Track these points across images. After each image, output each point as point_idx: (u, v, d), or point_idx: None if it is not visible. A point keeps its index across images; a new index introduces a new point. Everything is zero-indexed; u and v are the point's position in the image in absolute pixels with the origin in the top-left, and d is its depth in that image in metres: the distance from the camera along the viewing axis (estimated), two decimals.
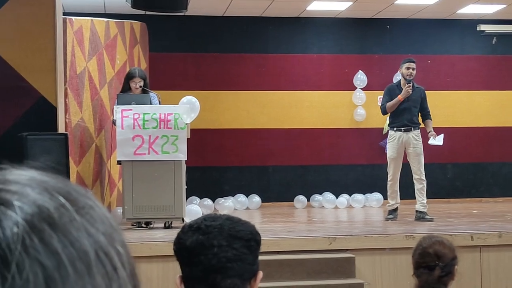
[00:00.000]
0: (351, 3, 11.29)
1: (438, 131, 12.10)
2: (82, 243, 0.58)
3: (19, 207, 0.57)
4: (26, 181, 0.60)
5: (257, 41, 12.26)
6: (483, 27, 12.60)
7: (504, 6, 11.67)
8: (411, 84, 8.88)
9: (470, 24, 12.60)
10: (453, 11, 12.05)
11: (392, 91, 9.02)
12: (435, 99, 12.40)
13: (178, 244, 2.16)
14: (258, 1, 11.13)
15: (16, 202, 0.58)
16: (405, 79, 8.97)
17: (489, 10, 11.99)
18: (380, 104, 9.19)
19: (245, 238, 2.14)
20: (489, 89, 12.71)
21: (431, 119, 9.20)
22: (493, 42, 12.74)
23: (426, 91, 12.17)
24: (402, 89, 8.93)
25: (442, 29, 12.61)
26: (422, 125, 9.19)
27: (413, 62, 9.02)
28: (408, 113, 8.92)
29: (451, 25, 12.60)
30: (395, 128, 8.96)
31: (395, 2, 11.30)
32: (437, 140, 9.07)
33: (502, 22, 12.62)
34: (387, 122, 12.07)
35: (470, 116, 12.64)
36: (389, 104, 8.90)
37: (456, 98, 12.64)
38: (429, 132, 9.08)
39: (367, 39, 12.49)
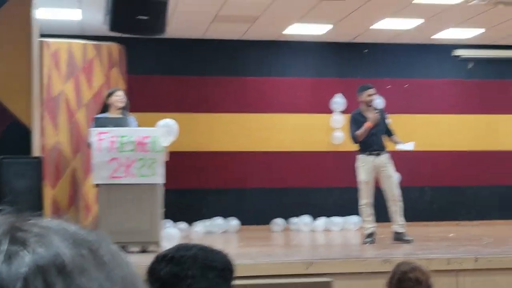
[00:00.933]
0: (330, 27, 11.36)
1: (416, 154, 12.22)
2: None
3: (33, 249, 0.58)
4: (54, 228, 0.62)
5: (237, 63, 12.28)
6: (459, 52, 12.73)
7: (479, 31, 11.80)
8: (378, 111, 9.05)
9: (447, 49, 12.72)
10: (430, 36, 12.15)
11: (357, 119, 9.18)
12: (413, 123, 12.49)
13: (151, 274, 2.13)
14: (237, 24, 11.16)
15: (34, 244, 0.59)
16: (368, 105, 9.09)
17: (466, 35, 12.11)
18: (350, 134, 9.29)
19: (219, 267, 2.12)
20: (466, 113, 12.80)
21: (395, 134, 9.37)
22: (469, 67, 12.86)
23: (404, 115, 12.35)
24: (366, 115, 9.08)
25: (419, 54, 12.72)
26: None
27: (372, 88, 9.20)
28: (376, 138, 9.13)
29: (429, 49, 12.71)
30: (366, 153, 9.09)
31: (373, 27, 11.38)
32: (407, 146, 9.18)
33: (479, 47, 12.74)
34: None
35: (448, 140, 12.72)
36: (359, 132, 9.05)
37: (434, 122, 12.71)
38: (397, 142, 9.21)
39: (346, 63, 12.56)
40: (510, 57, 12.90)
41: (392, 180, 9.11)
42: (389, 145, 9.34)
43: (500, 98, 12.92)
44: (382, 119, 9.25)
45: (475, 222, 12.61)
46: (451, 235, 10.55)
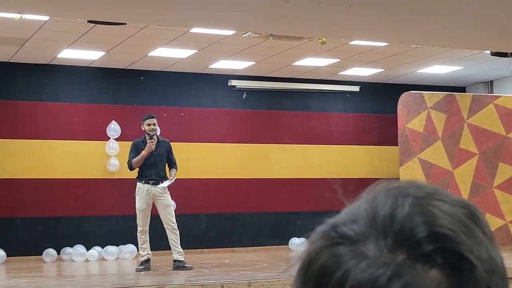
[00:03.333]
0: (104, 53, 11.18)
1: (191, 182, 12.37)
2: None
3: None
4: None
5: (6, 87, 11.72)
6: (234, 82, 13.07)
7: (253, 63, 12.20)
8: (153, 140, 9.12)
9: (223, 79, 13.01)
10: (205, 66, 12.37)
11: (138, 147, 9.29)
12: (188, 151, 12.60)
13: None
14: (5, 46, 10.65)
15: None
16: (148, 134, 9.13)
17: (239, 66, 12.46)
18: (127, 161, 9.33)
19: None
20: (240, 142, 13.13)
21: (176, 168, 9.51)
22: (244, 97, 13.24)
23: (180, 143, 12.43)
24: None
25: (195, 83, 12.89)
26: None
27: (154, 117, 9.38)
28: (154, 167, 9.23)
29: (205, 79, 12.92)
30: (143, 181, 9.17)
31: (148, 54, 11.37)
32: (165, 183, 9.28)
33: (252, 78, 13.17)
34: None
35: (222, 168, 12.95)
36: (134, 160, 9.17)
37: (209, 150, 12.91)
38: (169, 178, 9.27)
39: (121, 90, 12.42)
40: (280, 89, 13.46)
41: (169, 209, 9.22)
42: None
43: (271, 128, 13.40)
44: (165, 150, 9.33)
45: (249, 248, 12.92)
46: (226, 261, 10.71)
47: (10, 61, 11.58)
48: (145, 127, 9.26)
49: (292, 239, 13.06)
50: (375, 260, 0.66)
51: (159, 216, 9.22)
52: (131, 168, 9.30)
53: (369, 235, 0.69)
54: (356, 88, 14.02)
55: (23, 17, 7.87)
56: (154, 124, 9.26)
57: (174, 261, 9.21)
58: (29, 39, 10.21)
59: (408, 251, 0.66)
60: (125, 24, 8.54)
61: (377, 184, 0.74)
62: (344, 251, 0.68)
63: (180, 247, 9.18)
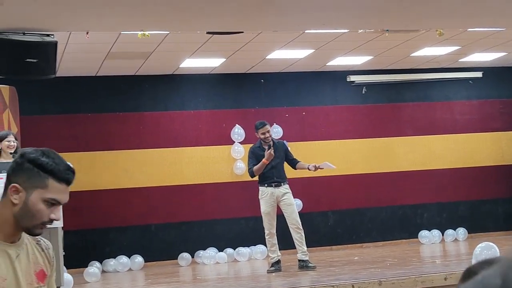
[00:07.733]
0: (224, 59, 11.43)
1: (317, 180, 12.41)
2: None
3: None
4: None
5: (133, 99, 12.17)
6: (352, 78, 13.03)
7: (370, 57, 12.12)
8: (272, 148, 9.14)
9: (341, 75, 13.00)
10: (323, 64, 12.40)
11: (255, 153, 9.36)
12: (312, 150, 12.67)
13: None
14: (130, 61, 11.08)
15: None
16: (264, 142, 9.22)
17: (357, 61, 12.41)
18: (248, 168, 9.44)
19: None
20: (362, 137, 13.09)
21: (299, 161, 9.48)
22: (363, 92, 13.18)
23: (303, 142, 12.52)
24: (264, 149, 9.23)
25: (314, 81, 12.94)
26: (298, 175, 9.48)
27: (266, 124, 9.41)
28: (276, 170, 9.32)
29: (323, 77, 12.95)
30: (266, 185, 9.27)
31: (266, 57, 11.52)
32: (325, 165, 9.27)
33: (370, 73, 13.09)
34: None
35: (346, 164, 12.94)
36: (255, 168, 9.24)
37: (331, 147, 12.93)
38: (308, 166, 9.28)
39: (243, 94, 12.65)
40: (400, 81, 13.30)
41: (292, 208, 9.28)
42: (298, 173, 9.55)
43: (393, 121, 13.27)
44: (283, 151, 9.41)
45: (378, 243, 12.86)
46: (356, 258, 10.71)
47: (136, 74, 12.04)
48: (259, 136, 9.37)
49: (421, 231, 12.91)
50: None
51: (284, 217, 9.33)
52: (252, 175, 9.38)
53: None
54: (479, 74, 13.67)
55: (145, 34, 8.18)
56: (268, 132, 9.32)
57: (299, 260, 9.30)
58: (152, 52, 10.58)
59: None
60: (242, 32, 8.71)
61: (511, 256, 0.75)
62: None
63: (304, 246, 9.21)
